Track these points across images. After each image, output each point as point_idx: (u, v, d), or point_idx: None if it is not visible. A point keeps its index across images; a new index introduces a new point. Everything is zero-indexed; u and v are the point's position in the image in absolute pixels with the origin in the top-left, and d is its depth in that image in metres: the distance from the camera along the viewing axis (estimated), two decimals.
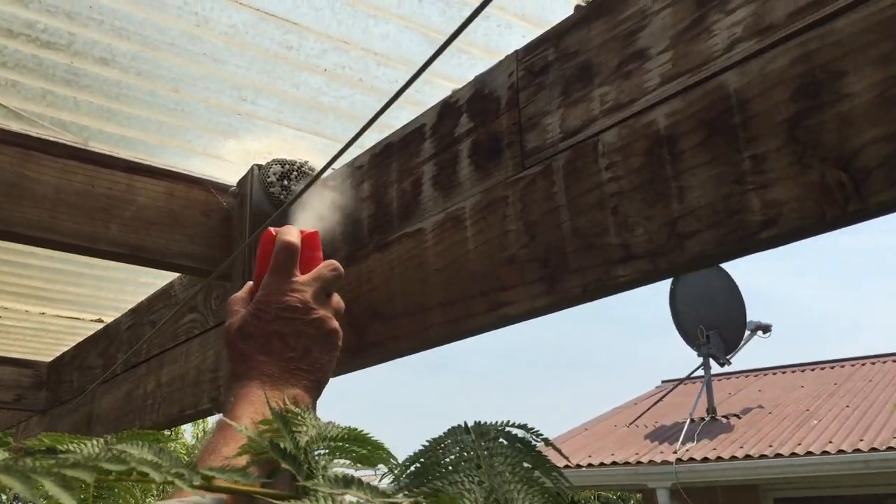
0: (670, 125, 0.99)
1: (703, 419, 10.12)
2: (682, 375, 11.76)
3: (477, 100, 1.33)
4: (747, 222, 0.91)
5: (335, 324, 1.28)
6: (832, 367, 12.95)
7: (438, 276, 1.36)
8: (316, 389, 1.24)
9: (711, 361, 10.54)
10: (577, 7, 1.21)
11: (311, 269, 1.34)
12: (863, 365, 12.63)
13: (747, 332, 10.61)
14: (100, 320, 3.10)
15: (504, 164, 1.25)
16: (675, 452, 8.79)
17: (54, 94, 1.45)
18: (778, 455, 8.08)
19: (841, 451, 7.71)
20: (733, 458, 8.26)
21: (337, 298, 1.35)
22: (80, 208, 1.56)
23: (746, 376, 13.66)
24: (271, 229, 1.36)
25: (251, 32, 1.25)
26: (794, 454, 7.98)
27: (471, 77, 1.35)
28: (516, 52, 1.27)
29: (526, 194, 1.20)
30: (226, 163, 1.70)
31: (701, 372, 10.54)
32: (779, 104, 0.88)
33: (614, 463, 9.05)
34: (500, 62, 1.30)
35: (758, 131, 0.90)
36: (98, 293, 2.84)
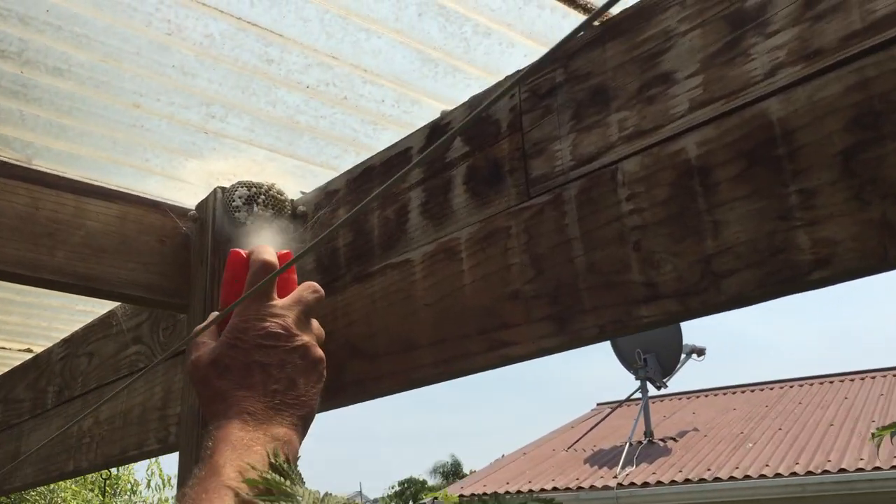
0: (702, 154, 0.92)
1: (640, 443, 10.19)
2: (615, 397, 11.86)
3: (473, 122, 1.24)
4: (795, 262, 0.83)
5: (320, 352, 1.18)
6: (762, 390, 13.23)
7: (428, 312, 1.25)
8: (303, 426, 1.12)
9: (648, 384, 10.63)
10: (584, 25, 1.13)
11: (288, 292, 1.23)
12: (791, 387, 12.94)
13: (682, 356, 10.76)
14: (28, 350, 2.89)
15: (506, 192, 1.16)
16: (615, 477, 8.81)
17: None
18: (716, 479, 8.16)
19: (778, 475, 7.83)
20: (673, 482, 8.32)
21: (317, 324, 1.24)
22: (21, 233, 1.41)
23: (680, 399, 13.85)
24: (240, 251, 1.24)
25: (228, 44, 1.13)
26: (732, 477, 8.08)
27: (464, 98, 1.26)
28: (518, 72, 1.18)
29: (532, 225, 1.11)
30: (185, 184, 1.57)
31: (639, 395, 10.63)
32: (832, 135, 0.81)
33: (555, 489, 9.00)
34: (500, 83, 1.21)
35: (807, 163, 0.83)
36: (28, 321, 2.64)
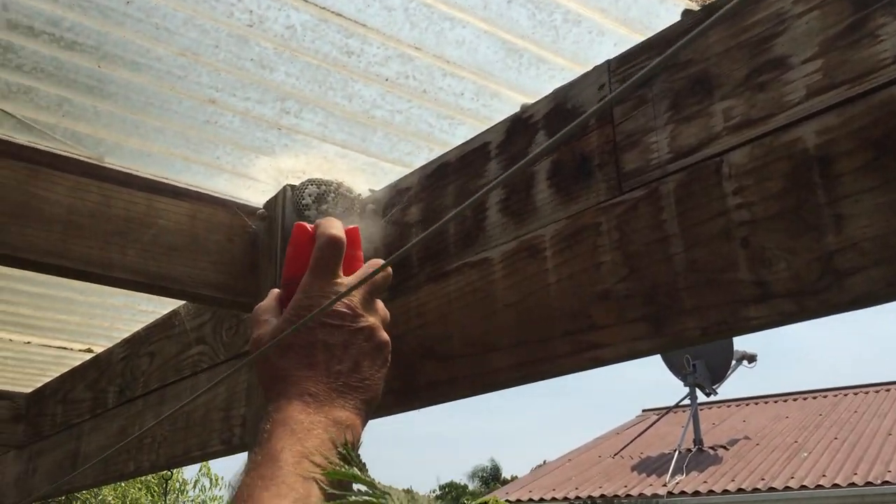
0: (822, 144, 0.85)
1: (689, 450, 10.00)
2: (660, 403, 11.66)
3: (558, 115, 1.19)
4: None
5: (385, 336, 1.12)
6: (815, 398, 12.92)
7: (509, 313, 1.21)
8: (366, 410, 1.05)
9: (697, 391, 10.44)
10: (686, 12, 1.07)
11: (354, 270, 1.17)
12: (846, 395, 12.62)
13: (733, 362, 10.54)
14: (89, 350, 2.90)
15: (595, 187, 1.11)
16: (664, 485, 8.65)
17: (72, 103, 1.29)
18: (771, 489, 7.97)
19: (836, 485, 7.61)
20: (725, 491, 8.14)
21: (382, 306, 1.18)
22: (93, 231, 1.39)
23: (729, 406, 13.59)
24: (306, 225, 1.19)
25: (309, 35, 1.10)
26: (787, 488, 7.88)
27: (547, 91, 1.21)
28: (608, 62, 1.13)
29: (625, 221, 1.05)
30: (254, 182, 1.54)
31: (687, 401, 10.44)
32: None
33: (603, 496, 8.87)
34: (587, 73, 1.16)
35: None
36: (90, 321, 2.65)
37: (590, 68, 1.15)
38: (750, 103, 0.93)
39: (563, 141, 1.15)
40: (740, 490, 8.03)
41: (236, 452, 1.84)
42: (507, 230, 1.23)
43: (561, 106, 1.18)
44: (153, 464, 2.27)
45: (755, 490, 7.97)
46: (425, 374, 1.34)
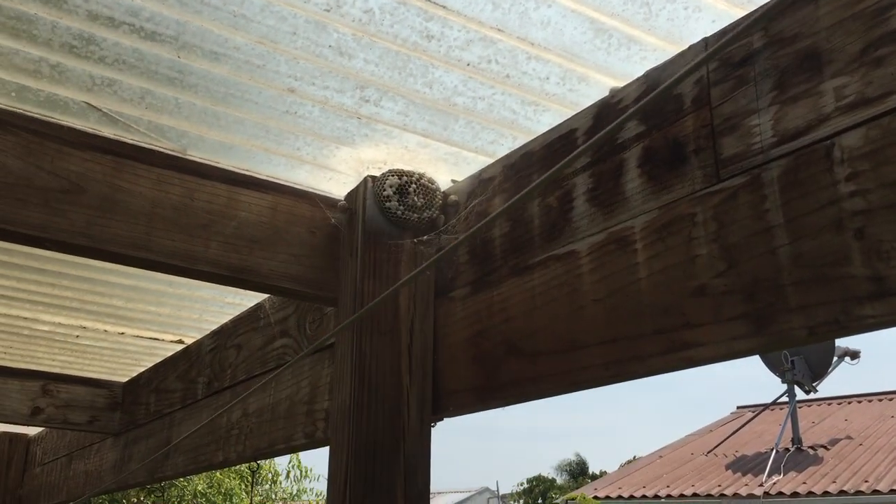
0: None
1: (787, 450, 9.61)
2: (756, 400, 11.24)
3: (650, 99, 1.11)
4: None
5: None
6: None
7: (597, 309, 1.14)
8: None
9: (796, 388, 10.02)
10: None
11: None
12: None
13: (835, 359, 10.07)
14: (180, 341, 2.97)
15: (690, 174, 1.03)
16: (761, 485, 8.34)
17: (154, 95, 1.29)
18: (875, 491, 7.58)
19: None
20: (826, 493, 7.79)
21: None
22: (177, 224, 1.39)
23: (829, 404, 13.02)
24: None
25: (388, 20, 1.06)
26: (893, 490, 7.47)
27: (638, 73, 1.13)
28: (705, 39, 1.05)
29: (723, 212, 0.98)
30: (334, 173, 1.52)
31: (785, 399, 10.04)
32: None
33: (695, 495, 8.63)
34: (682, 53, 1.08)
35: None
36: (180, 313, 2.70)
37: (685, 47, 1.07)
38: (865, 80, 0.84)
39: (657, 126, 1.08)
40: (842, 492, 7.67)
41: (319, 446, 1.83)
42: (595, 221, 1.17)
43: (654, 88, 1.11)
44: (240, 455, 2.29)
45: (858, 493, 7.60)
46: (508, 371, 1.29)
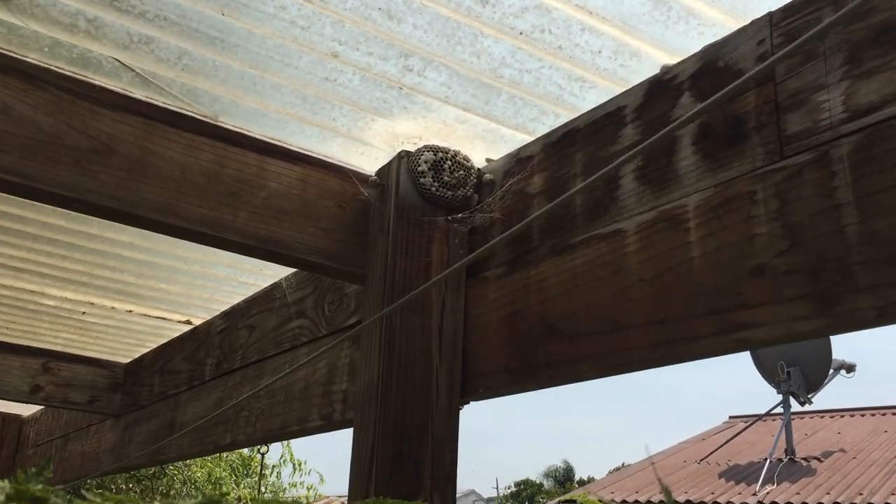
0: None
1: (780, 460, 9.59)
2: (747, 410, 11.22)
3: (707, 75, 1.09)
4: None
5: None
6: None
7: (644, 289, 1.11)
8: None
9: (791, 399, 10.00)
10: None
11: None
12: None
13: (831, 371, 10.05)
14: (188, 322, 2.92)
15: (750, 152, 1.00)
16: (754, 494, 8.32)
17: (191, 56, 1.25)
18: None
19: None
20: None
21: None
22: (206, 191, 1.36)
23: (822, 416, 12.99)
24: None
25: None
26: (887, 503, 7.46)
27: (694, 49, 1.10)
28: (770, 13, 1.02)
29: (786, 189, 0.95)
30: (368, 147, 1.49)
31: (779, 409, 10.02)
32: None
33: (688, 502, 8.60)
34: (744, 28, 1.05)
35: None
36: (191, 292, 2.65)
37: (747, 22, 1.04)
38: None
39: (718, 103, 1.05)
40: None
41: (337, 428, 1.80)
42: (644, 199, 1.14)
43: (712, 65, 1.08)
44: (249, 437, 2.25)
45: None
46: (544, 353, 1.26)
